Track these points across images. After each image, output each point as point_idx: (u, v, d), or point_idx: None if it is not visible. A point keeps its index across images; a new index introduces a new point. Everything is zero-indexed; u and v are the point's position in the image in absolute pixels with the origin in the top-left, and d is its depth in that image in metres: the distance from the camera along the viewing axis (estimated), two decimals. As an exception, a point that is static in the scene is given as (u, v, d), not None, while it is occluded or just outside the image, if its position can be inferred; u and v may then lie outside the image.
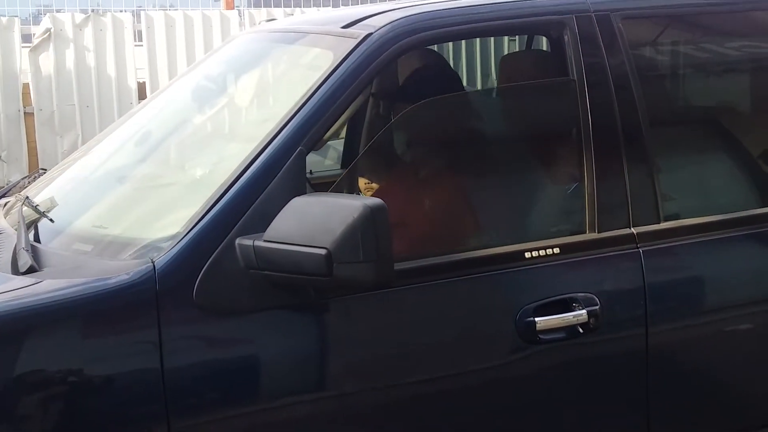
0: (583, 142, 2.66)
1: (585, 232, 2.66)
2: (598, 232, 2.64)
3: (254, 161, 2.36)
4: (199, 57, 8.60)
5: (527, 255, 2.56)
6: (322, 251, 2.14)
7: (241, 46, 3.27)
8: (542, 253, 2.57)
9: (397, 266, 2.25)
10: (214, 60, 3.31)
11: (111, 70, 8.81)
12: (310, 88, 2.46)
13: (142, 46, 9.11)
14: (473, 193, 2.87)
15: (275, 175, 2.33)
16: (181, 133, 3.03)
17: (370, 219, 2.14)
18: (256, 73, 3.13)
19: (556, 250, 2.58)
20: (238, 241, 2.26)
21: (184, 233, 2.28)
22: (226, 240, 2.26)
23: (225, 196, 2.31)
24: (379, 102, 3.43)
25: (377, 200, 2.19)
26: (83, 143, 8.17)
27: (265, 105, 3.04)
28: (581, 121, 2.67)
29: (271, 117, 2.50)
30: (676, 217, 2.77)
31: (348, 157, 3.95)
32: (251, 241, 2.24)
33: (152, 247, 2.32)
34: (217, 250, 2.25)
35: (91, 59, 8.75)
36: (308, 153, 2.40)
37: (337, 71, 2.47)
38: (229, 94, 3.12)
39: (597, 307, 2.56)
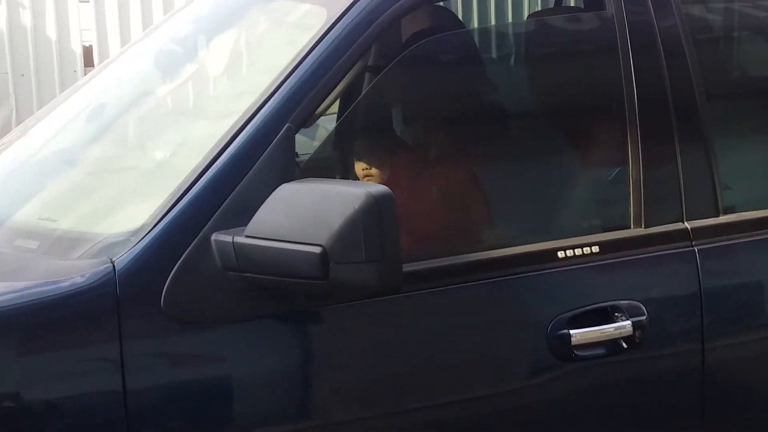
0: (628, 120, 2.68)
1: (629, 227, 2.68)
2: (645, 227, 2.66)
3: (233, 141, 2.34)
4: (157, 16, 8.58)
5: (560, 255, 2.57)
6: (316, 249, 2.13)
7: (213, 1, 3.26)
8: (578, 252, 2.58)
9: (405, 268, 2.24)
10: (180, 19, 3.31)
11: (51, 31, 8.82)
12: (299, 53, 2.46)
13: (88, 2, 9.08)
14: (494, 179, 2.89)
15: (258, 157, 2.32)
16: (143, 108, 3.02)
17: (374, 211, 2.13)
18: (233, 35, 3.12)
19: (595, 249, 2.59)
20: (214, 236, 2.25)
21: (150, 227, 2.27)
22: (200, 235, 2.25)
23: (198, 183, 2.30)
24: (381, 69, 3.41)
25: (383, 188, 2.18)
26: (18, 119, 8.16)
27: (245, 73, 3.03)
28: (625, 93, 2.68)
29: (253, 88, 2.49)
30: (737, 209, 2.79)
31: (341, 136, 3.93)
32: (230, 237, 2.23)
33: (111, 243, 2.30)
34: (189, 248, 2.24)
35: (26, 18, 8.74)
36: (297, 131, 2.38)
37: (332, 32, 2.47)
38: (200, 60, 3.11)
39: (644, 318, 2.57)
